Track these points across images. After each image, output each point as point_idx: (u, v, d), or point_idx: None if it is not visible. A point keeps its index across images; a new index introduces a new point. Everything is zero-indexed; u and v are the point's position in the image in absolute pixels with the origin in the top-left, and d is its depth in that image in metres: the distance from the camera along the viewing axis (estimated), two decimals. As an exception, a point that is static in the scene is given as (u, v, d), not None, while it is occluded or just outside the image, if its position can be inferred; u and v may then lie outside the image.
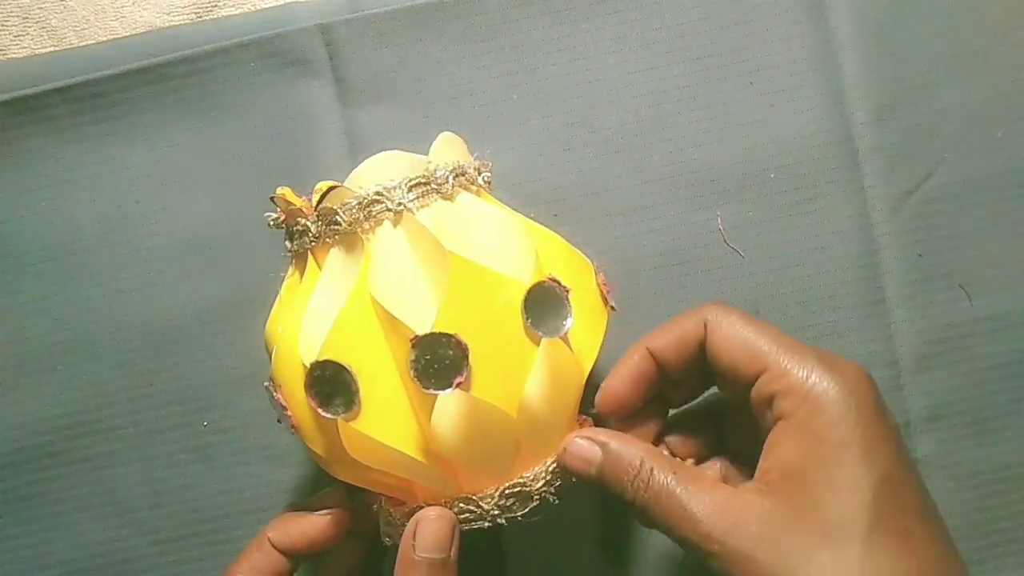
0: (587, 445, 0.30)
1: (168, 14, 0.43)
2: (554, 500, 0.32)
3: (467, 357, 0.29)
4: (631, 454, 0.29)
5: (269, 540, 0.33)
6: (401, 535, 0.31)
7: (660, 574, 0.40)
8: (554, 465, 0.32)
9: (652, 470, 0.28)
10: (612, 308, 0.34)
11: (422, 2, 0.41)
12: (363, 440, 0.29)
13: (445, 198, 0.32)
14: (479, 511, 0.31)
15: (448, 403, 0.29)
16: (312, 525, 0.33)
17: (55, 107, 0.41)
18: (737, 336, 0.29)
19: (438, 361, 0.29)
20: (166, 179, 0.41)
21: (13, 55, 0.43)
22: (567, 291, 0.31)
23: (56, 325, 0.41)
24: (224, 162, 0.41)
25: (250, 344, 0.40)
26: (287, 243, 0.33)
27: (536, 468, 0.31)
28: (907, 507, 0.26)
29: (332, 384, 0.29)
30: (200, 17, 0.43)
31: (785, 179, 0.41)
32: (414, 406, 0.30)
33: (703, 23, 0.40)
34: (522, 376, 0.30)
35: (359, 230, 0.31)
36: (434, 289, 0.30)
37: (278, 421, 0.31)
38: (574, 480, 0.32)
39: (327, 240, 0.31)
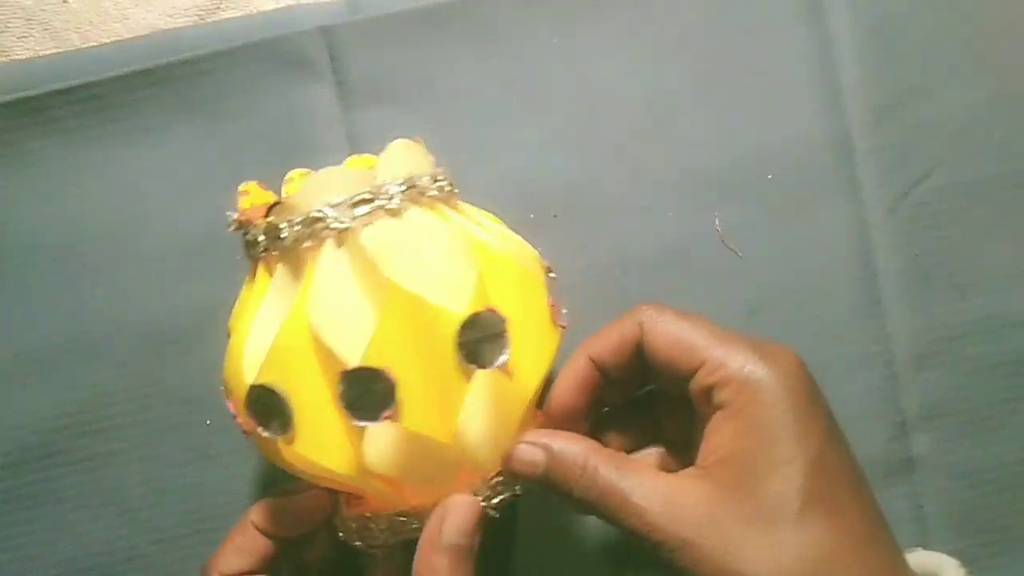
0: (530, 450, 0.31)
1: (170, 16, 0.44)
2: (495, 514, 0.32)
3: (395, 391, 0.29)
4: (574, 453, 0.30)
5: (252, 523, 0.33)
6: (353, 532, 0.32)
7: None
8: (495, 480, 0.32)
9: (596, 467, 0.29)
10: (562, 327, 0.33)
11: (423, 4, 0.41)
12: (301, 459, 0.30)
13: (392, 215, 0.30)
14: (421, 524, 0.31)
15: (377, 435, 0.29)
16: (294, 506, 0.33)
17: (57, 109, 0.41)
18: (673, 333, 0.30)
19: (368, 393, 0.29)
20: (168, 181, 0.41)
21: (16, 57, 0.44)
22: (505, 321, 0.30)
23: (57, 325, 0.41)
24: (226, 164, 0.41)
25: (251, 344, 0.40)
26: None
27: (477, 484, 0.31)
28: (838, 485, 0.28)
29: (269, 406, 0.30)
30: (202, 20, 0.43)
31: (783, 180, 0.41)
32: (348, 431, 0.30)
33: (703, 23, 0.41)
34: (459, 406, 0.30)
35: (302, 248, 0.30)
36: (371, 316, 0.29)
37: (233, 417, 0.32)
38: (518, 492, 0.32)
39: (274, 253, 0.31)
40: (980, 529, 0.41)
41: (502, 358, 0.30)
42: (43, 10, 0.43)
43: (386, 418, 0.29)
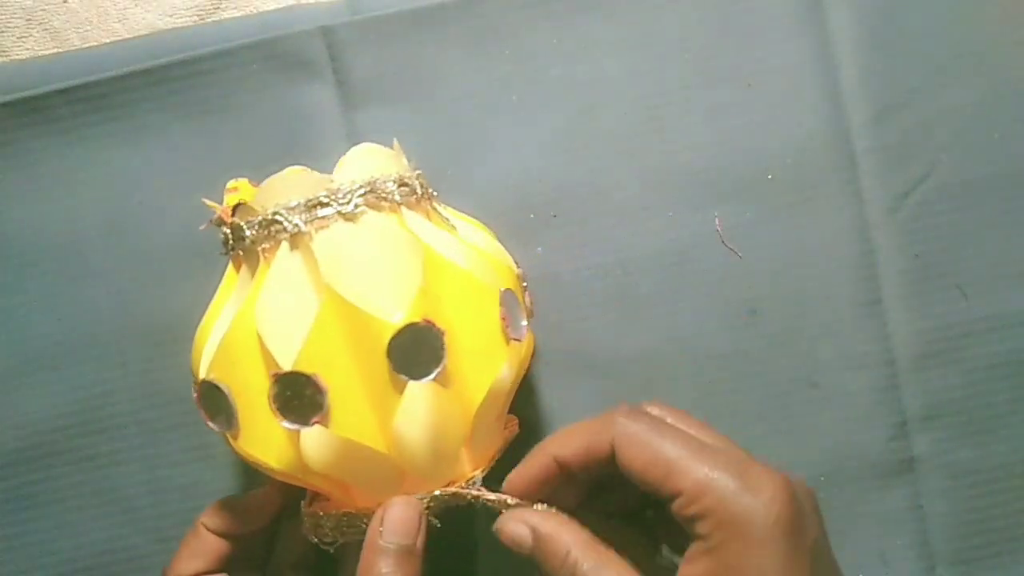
0: (518, 528, 0.30)
1: (170, 16, 0.44)
2: (437, 524, 0.32)
3: (325, 397, 0.29)
4: (557, 542, 0.29)
5: (203, 525, 0.34)
6: (308, 529, 0.32)
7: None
8: (441, 490, 0.32)
9: (577, 561, 0.28)
10: (515, 340, 0.32)
11: (424, 4, 0.41)
12: (247, 454, 0.30)
13: (347, 219, 0.30)
14: (364, 526, 0.31)
15: (310, 438, 0.29)
16: (242, 505, 0.34)
17: (57, 108, 0.41)
18: (648, 453, 0.28)
19: (299, 397, 0.29)
20: (168, 180, 0.41)
21: (16, 57, 0.44)
22: (443, 333, 0.30)
23: (58, 325, 0.41)
24: (226, 163, 0.41)
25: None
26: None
27: (422, 494, 0.32)
28: None
29: (218, 401, 0.30)
30: (202, 19, 0.43)
31: (783, 180, 0.41)
32: (288, 431, 0.30)
33: (702, 24, 0.41)
34: (394, 415, 0.30)
35: (260, 249, 0.31)
36: (309, 320, 0.29)
37: None
38: (464, 502, 0.32)
39: (239, 253, 0.32)
40: (980, 529, 0.41)
41: (436, 370, 0.30)
42: (43, 10, 0.43)
43: (315, 423, 0.29)
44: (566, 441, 0.31)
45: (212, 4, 0.43)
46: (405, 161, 0.34)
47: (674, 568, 0.28)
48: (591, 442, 0.30)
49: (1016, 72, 0.41)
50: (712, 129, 0.41)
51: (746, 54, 0.41)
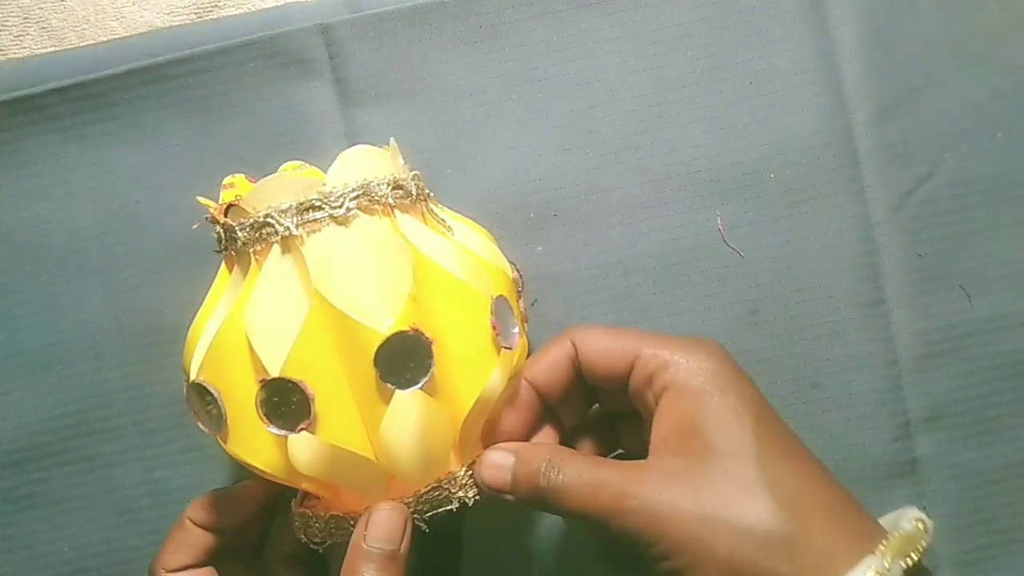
0: (499, 454, 0.32)
1: (168, 14, 0.43)
2: (425, 529, 0.32)
3: (312, 404, 0.29)
4: (539, 453, 0.31)
5: (188, 519, 0.34)
6: (298, 528, 0.33)
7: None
8: (427, 494, 0.32)
9: (562, 462, 0.30)
10: (506, 348, 0.32)
11: (422, 2, 0.41)
12: (236, 455, 0.31)
13: (339, 223, 0.30)
14: (351, 528, 0.31)
15: (297, 444, 0.29)
16: (226, 500, 0.35)
17: (55, 107, 0.41)
18: (605, 341, 0.32)
19: (286, 403, 0.29)
20: (166, 179, 0.41)
21: (13, 55, 0.43)
22: (431, 343, 0.29)
23: (56, 325, 0.41)
24: (224, 162, 0.41)
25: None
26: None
27: (409, 496, 0.32)
28: (785, 433, 0.30)
29: (204, 399, 0.30)
30: (200, 17, 0.43)
31: (785, 179, 0.41)
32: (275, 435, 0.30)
33: (703, 23, 0.40)
34: (378, 419, 0.30)
35: (252, 251, 0.30)
36: (298, 325, 0.29)
37: None
38: (452, 507, 0.32)
39: (232, 253, 0.32)
40: (984, 530, 0.41)
41: (423, 380, 0.30)
42: (40, 8, 0.43)
43: (302, 429, 0.29)
44: (533, 362, 0.34)
45: (210, 2, 0.43)
46: (401, 161, 0.34)
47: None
48: (554, 355, 0.33)
49: (1018, 71, 0.41)
50: (713, 128, 0.41)
51: (747, 53, 0.41)
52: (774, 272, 0.41)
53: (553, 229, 0.41)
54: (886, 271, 0.41)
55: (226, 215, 0.31)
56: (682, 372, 0.30)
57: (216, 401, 0.30)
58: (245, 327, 0.29)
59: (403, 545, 0.31)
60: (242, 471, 0.41)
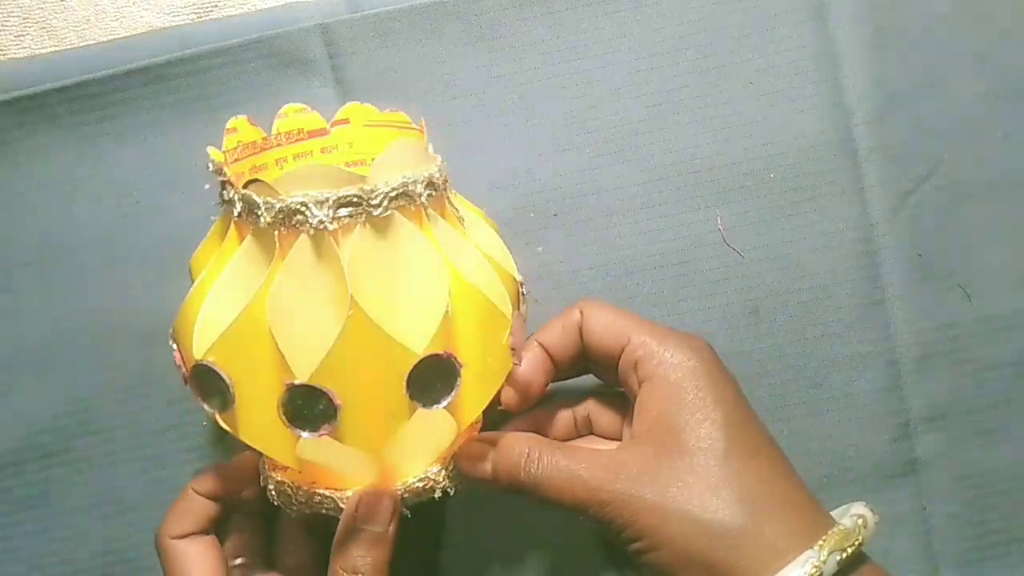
0: (478, 446, 0.34)
1: (168, 14, 0.43)
2: (408, 515, 0.33)
3: (338, 412, 0.28)
4: (518, 443, 0.33)
5: (192, 489, 0.35)
6: (274, 495, 0.33)
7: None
8: (414, 483, 0.33)
9: (540, 452, 0.32)
10: (516, 365, 0.34)
11: (422, 2, 0.41)
12: (237, 432, 0.30)
13: (375, 224, 0.29)
14: (334, 504, 0.32)
15: (311, 443, 0.29)
16: (227, 470, 0.36)
17: (55, 107, 0.41)
18: (606, 319, 0.35)
19: (310, 407, 0.29)
20: (166, 179, 0.41)
21: (13, 55, 0.43)
22: (460, 367, 0.29)
23: (56, 325, 0.41)
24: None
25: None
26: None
27: (398, 484, 0.32)
28: (753, 432, 0.33)
29: (212, 381, 0.29)
30: (200, 17, 0.43)
31: (785, 179, 0.41)
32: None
33: (703, 23, 0.40)
34: (395, 432, 0.30)
35: (276, 233, 0.28)
36: (329, 331, 0.28)
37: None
38: (436, 496, 0.33)
39: (248, 221, 0.29)
40: (984, 530, 0.41)
41: (446, 400, 0.30)
42: (41, 8, 0.43)
43: (324, 434, 0.29)
44: (546, 328, 0.36)
45: (210, 2, 0.43)
46: (430, 148, 0.33)
47: None
48: (564, 321, 0.36)
49: (1018, 71, 0.41)
50: (713, 128, 0.41)
51: (747, 53, 0.41)
52: (774, 272, 0.41)
53: (553, 229, 0.41)
54: (886, 271, 0.41)
55: (247, 187, 0.29)
56: (664, 365, 0.33)
57: (226, 384, 0.29)
58: (269, 321, 0.28)
59: (391, 528, 0.32)
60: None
